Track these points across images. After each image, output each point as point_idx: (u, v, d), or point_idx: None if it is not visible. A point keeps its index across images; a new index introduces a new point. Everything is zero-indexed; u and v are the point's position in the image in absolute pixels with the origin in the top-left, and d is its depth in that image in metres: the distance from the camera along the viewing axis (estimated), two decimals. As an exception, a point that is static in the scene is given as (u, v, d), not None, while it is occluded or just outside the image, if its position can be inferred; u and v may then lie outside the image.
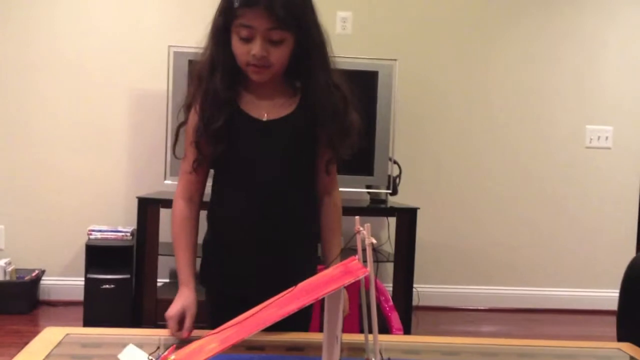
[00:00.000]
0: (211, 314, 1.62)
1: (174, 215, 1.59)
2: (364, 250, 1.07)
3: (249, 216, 1.54)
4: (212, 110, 1.49)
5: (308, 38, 1.47)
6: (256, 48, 1.42)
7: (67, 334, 1.38)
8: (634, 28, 4.22)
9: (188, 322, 1.42)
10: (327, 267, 1.37)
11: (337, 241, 1.61)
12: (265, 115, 1.53)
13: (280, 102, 1.54)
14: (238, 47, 1.45)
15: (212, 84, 1.49)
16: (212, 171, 1.63)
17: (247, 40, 1.43)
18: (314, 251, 1.63)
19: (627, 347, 1.49)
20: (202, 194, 1.62)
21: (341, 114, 1.53)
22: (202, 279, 1.64)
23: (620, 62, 4.21)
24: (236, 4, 1.42)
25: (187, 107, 1.56)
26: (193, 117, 1.54)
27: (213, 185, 1.63)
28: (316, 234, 1.62)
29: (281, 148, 1.53)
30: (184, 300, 1.48)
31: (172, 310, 1.44)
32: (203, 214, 1.63)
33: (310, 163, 1.58)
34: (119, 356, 1.20)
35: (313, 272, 1.44)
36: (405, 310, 3.40)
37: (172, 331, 1.41)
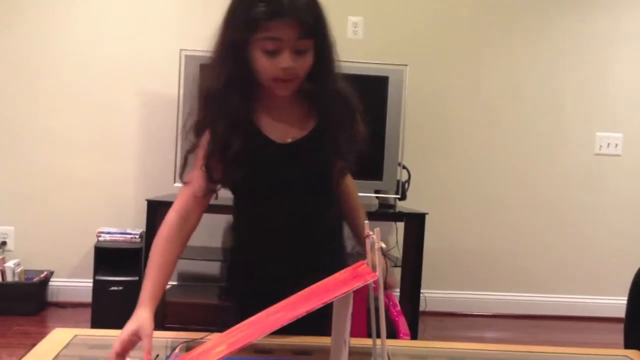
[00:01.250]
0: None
1: (162, 227, 1.45)
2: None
3: (276, 238, 1.51)
4: (227, 134, 1.40)
5: (324, 43, 1.43)
6: (286, 61, 1.35)
7: (76, 335, 1.39)
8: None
9: (146, 344, 1.21)
10: (361, 243, 1.32)
11: (363, 216, 1.62)
12: (288, 137, 1.48)
13: (298, 117, 1.49)
14: (263, 62, 1.37)
15: (228, 105, 1.40)
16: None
17: (274, 53, 1.35)
18: (343, 263, 1.56)
19: (634, 355, 1.48)
20: (200, 217, 1.51)
21: (347, 122, 1.49)
22: (229, 295, 1.64)
23: (631, 68, 4.20)
24: (260, 17, 1.32)
25: (197, 130, 1.45)
26: (205, 141, 1.44)
27: (234, 205, 1.59)
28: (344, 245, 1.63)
29: (305, 170, 1.48)
30: (137, 321, 1.26)
31: (123, 333, 1.24)
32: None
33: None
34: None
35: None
36: (413, 315, 3.39)
37: (112, 355, 1.20)
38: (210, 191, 1.48)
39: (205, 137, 1.44)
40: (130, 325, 1.25)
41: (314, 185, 1.49)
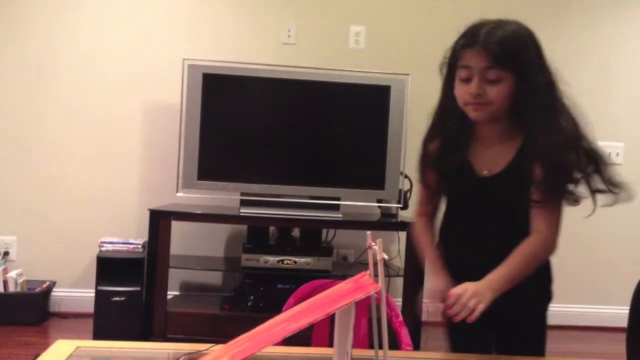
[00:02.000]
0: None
1: (415, 229, 1.79)
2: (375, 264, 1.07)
3: (465, 261, 1.62)
4: (445, 152, 1.61)
5: (527, 79, 1.49)
6: (473, 87, 1.50)
7: (78, 347, 1.39)
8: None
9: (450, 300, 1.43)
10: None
11: (507, 263, 1.52)
12: (485, 170, 1.59)
13: (500, 150, 1.57)
14: (458, 89, 1.54)
15: (447, 128, 1.61)
16: None
17: (466, 81, 1.51)
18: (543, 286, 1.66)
19: (638, 366, 1.47)
20: (437, 212, 1.76)
21: (555, 155, 1.49)
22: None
23: (632, 78, 4.21)
24: (458, 48, 1.53)
25: (426, 141, 1.68)
26: (430, 150, 1.66)
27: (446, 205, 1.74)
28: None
29: (496, 203, 1.58)
30: (442, 283, 1.55)
31: (438, 287, 1.52)
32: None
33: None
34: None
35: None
36: (415, 326, 3.38)
37: (437, 300, 1.50)
38: (435, 195, 1.72)
39: (431, 148, 1.66)
40: (439, 286, 1.53)
41: (503, 214, 1.59)
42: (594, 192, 1.56)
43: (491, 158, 1.58)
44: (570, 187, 1.51)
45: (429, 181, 1.69)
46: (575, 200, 1.54)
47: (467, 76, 1.51)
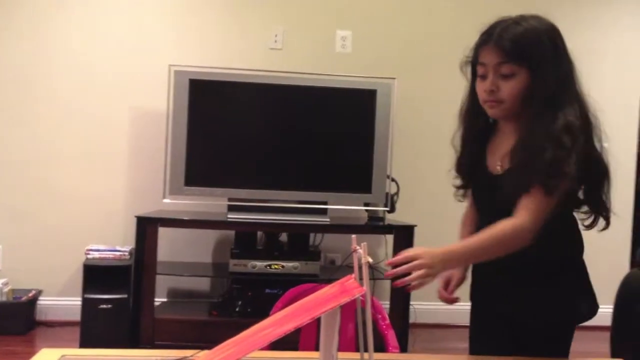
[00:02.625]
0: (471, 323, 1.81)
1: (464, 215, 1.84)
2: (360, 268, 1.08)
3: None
4: (465, 145, 1.69)
5: (539, 73, 1.49)
6: (487, 83, 1.53)
7: (63, 356, 1.38)
8: (630, 41, 4.27)
9: (452, 285, 1.69)
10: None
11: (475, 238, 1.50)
12: (498, 166, 1.59)
13: (512, 145, 1.56)
14: (478, 86, 1.57)
15: (467, 123, 1.68)
16: None
17: (484, 77, 1.54)
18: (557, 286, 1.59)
19: (623, 365, 1.49)
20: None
21: (542, 141, 1.45)
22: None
23: (615, 80, 4.24)
24: (476, 46, 1.56)
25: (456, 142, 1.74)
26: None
27: None
28: (556, 262, 1.58)
29: (505, 201, 1.49)
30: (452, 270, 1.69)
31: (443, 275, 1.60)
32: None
33: None
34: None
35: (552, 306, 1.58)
36: (402, 328, 3.39)
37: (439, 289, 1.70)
38: (464, 188, 1.75)
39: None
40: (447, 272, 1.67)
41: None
42: (580, 202, 1.54)
43: (504, 153, 1.57)
44: (559, 181, 1.42)
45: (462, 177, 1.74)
46: (571, 202, 1.53)
47: (483, 73, 1.54)
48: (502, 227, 1.44)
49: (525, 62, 1.49)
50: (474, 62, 1.58)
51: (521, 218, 1.44)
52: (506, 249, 1.45)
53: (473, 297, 1.77)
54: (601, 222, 1.59)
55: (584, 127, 1.52)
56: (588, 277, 1.64)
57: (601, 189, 1.58)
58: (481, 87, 1.55)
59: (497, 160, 1.60)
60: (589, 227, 1.59)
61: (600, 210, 1.58)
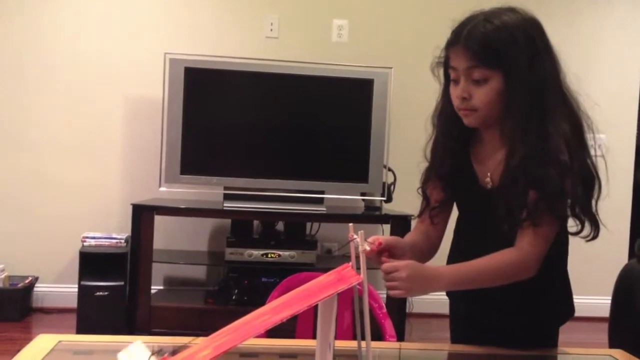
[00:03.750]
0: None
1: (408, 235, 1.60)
2: (357, 257, 1.07)
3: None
4: (439, 155, 1.53)
5: (513, 77, 1.34)
6: (458, 89, 1.38)
7: (60, 341, 1.38)
8: (629, 33, 4.26)
9: (380, 240, 1.31)
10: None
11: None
12: (489, 181, 1.45)
13: (502, 156, 1.41)
14: (451, 91, 1.43)
15: (439, 131, 1.53)
16: None
17: (456, 82, 1.39)
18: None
19: (618, 354, 1.49)
20: (440, 237, 1.62)
21: (534, 171, 1.33)
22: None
23: (613, 69, 4.24)
24: (446, 46, 1.42)
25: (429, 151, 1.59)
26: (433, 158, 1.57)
27: None
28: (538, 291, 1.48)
29: (498, 217, 1.38)
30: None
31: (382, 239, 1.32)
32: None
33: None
34: (119, 354, 1.19)
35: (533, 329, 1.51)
36: (399, 317, 3.40)
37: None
38: (433, 210, 1.57)
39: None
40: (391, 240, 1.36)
41: (499, 236, 1.39)
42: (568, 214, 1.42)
43: (494, 166, 1.43)
44: (565, 205, 1.37)
45: (429, 192, 1.58)
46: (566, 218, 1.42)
47: (455, 77, 1.39)
48: (505, 260, 1.36)
49: (498, 66, 1.33)
50: (446, 64, 1.43)
51: (525, 251, 1.36)
52: (503, 282, 1.37)
53: (454, 308, 1.64)
54: (588, 230, 1.47)
55: (577, 132, 1.42)
56: (569, 284, 1.66)
57: (590, 198, 1.46)
58: (454, 93, 1.40)
59: (487, 172, 1.46)
60: (576, 234, 1.47)
61: (589, 218, 1.46)
